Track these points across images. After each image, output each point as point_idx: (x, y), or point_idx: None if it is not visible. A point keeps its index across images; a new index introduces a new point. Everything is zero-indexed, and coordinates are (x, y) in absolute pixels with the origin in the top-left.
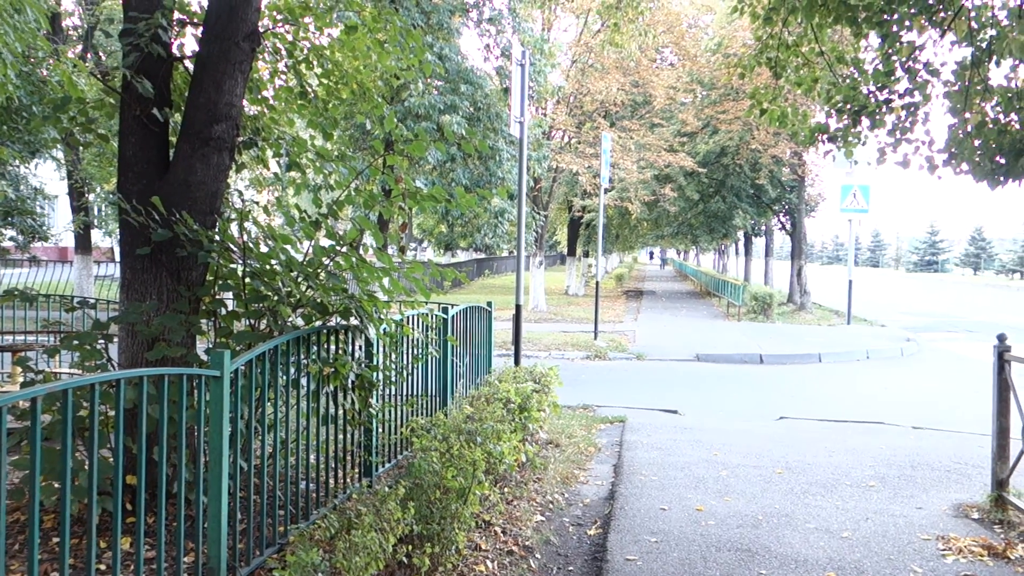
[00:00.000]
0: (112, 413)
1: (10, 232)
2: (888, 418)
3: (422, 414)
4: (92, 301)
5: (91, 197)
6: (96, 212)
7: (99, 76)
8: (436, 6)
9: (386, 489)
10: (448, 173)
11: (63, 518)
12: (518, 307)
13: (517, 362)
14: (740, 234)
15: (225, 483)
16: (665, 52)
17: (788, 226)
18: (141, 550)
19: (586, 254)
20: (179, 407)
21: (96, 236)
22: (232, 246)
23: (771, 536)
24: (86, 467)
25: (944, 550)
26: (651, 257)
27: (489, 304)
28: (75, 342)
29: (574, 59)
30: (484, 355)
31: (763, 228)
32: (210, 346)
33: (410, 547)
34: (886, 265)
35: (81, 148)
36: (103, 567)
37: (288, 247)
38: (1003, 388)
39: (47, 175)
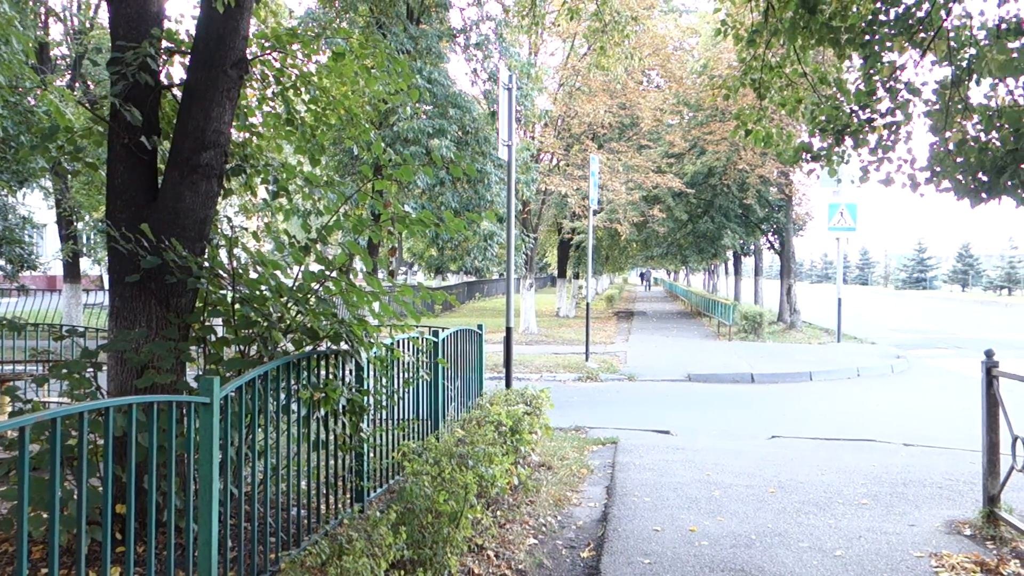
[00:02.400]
0: (101, 442)
1: None
2: (879, 435)
3: (413, 438)
4: (80, 329)
5: (79, 225)
6: (84, 240)
7: (87, 105)
8: (424, 31)
9: (378, 514)
10: (437, 197)
11: (51, 549)
12: (508, 329)
13: (508, 384)
14: (729, 254)
15: (215, 511)
16: (652, 74)
17: (777, 245)
18: None
19: (576, 276)
20: (169, 435)
21: (85, 264)
22: (221, 272)
23: (764, 556)
24: (75, 497)
25: (937, 567)
26: (642, 278)
27: (479, 327)
28: (64, 371)
29: (561, 82)
30: (475, 378)
31: (752, 248)
32: (200, 373)
33: (402, 572)
34: (875, 283)
35: (69, 177)
36: None
37: (278, 272)
38: (992, 404)
39: (36, 204)
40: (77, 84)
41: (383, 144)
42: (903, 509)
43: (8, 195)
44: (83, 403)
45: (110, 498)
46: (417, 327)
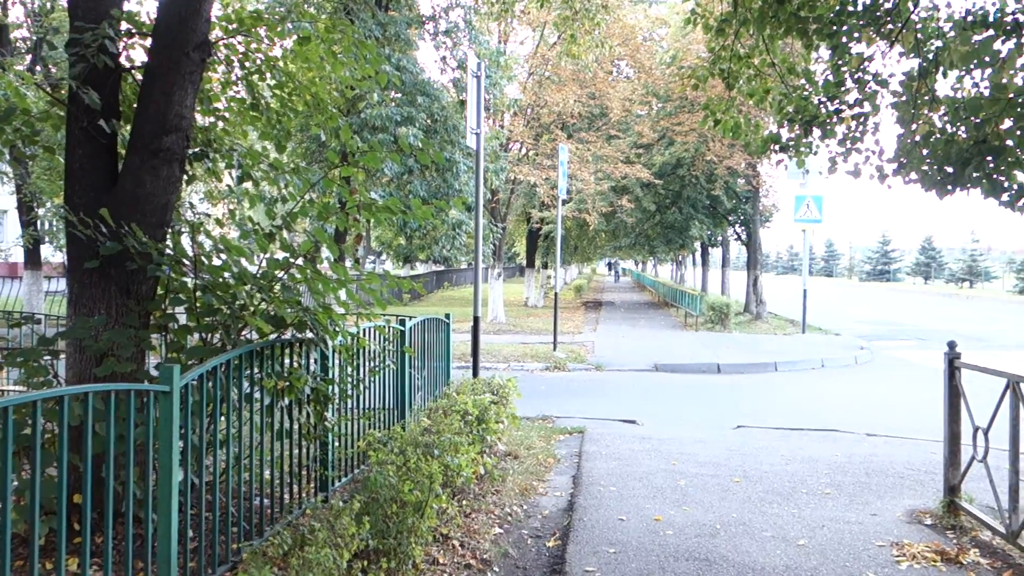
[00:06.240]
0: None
1: None
2: (843, 425)
3: (380, 427)
4: (38, 317)
5: (41, 212)
6: (46, 226)
7: (45, 88)
8: (392, 18)
9: (341, 504)
10: (405, 186)
11: (3, 539)
12: (476, 319)
13: (476, 374)
14: (697, 245)
15: (175, 501)
16: (621, 65)
17: (744, 237)
18: (87, 571)
19: (545, 265)
20: (127, 424)
21: (47, 251)
22: (184, 259)
23: (729, 545)
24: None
25: (898, 556)
26: (610, 269)
27: (447, 316)
28: (19, 358)
29: (531, 71)
30: (442, 367)
31: (719, 239)
32: (161, 361)
33: (366, 562)
34: (840, 275)
35: (30, 162)
36: None
37: (242, 259)
38: (954, 395)
39: None
40: (39, 67)
41: (351, 132)
42: (866, 499)
43: None
44: (37, 391)
45: (64, 488)
46: (384, 316)
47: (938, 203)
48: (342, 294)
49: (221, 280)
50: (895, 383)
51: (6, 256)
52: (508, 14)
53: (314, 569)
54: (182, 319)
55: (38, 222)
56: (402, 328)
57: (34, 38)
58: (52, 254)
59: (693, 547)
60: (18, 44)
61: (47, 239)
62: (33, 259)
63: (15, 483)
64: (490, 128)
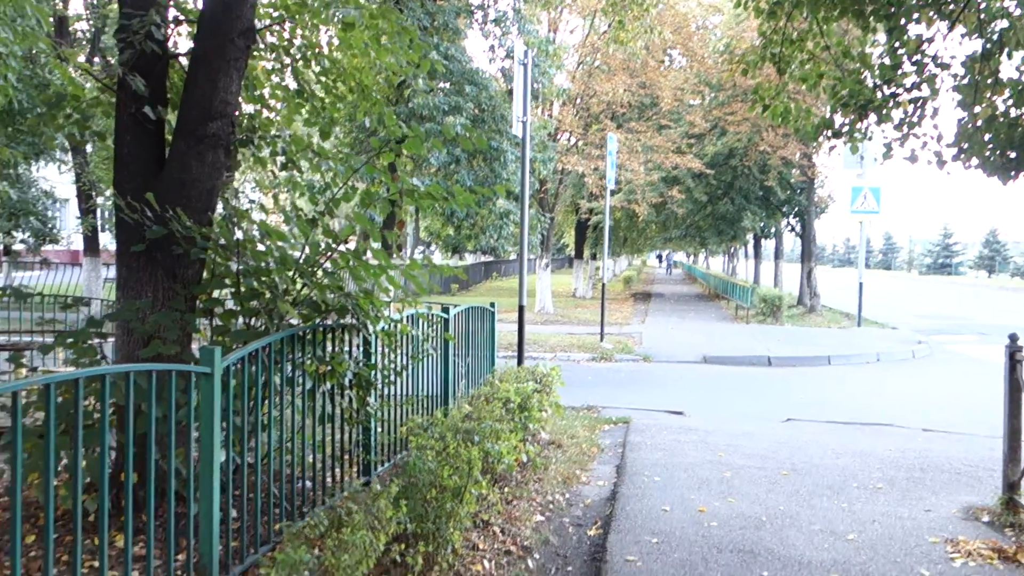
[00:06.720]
0: (111, 410)
1: (20, 235)
2: (897, 420)
3: (423, 413)
4: (88, 300)
5: (100, 200)
6: (104, 214)
7: (93, 74)
8: (441, 7)
9: (378, 487)
10: (452, 175)
11: (47, 515)
12: (521, 308)
13: (520, 363)
14: (749, 236)
15: (216, 481)
16: (673, 53)
17: (798, 228)
18: (129, 547)
19: (594, 256)
20: (169, 404)
21: (105, 238)
22: (227, 243)
23: (775, 538)
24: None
25: (953, 553)
26: (660, 260)
27: (492, 305)
28: (69, 340)
29: (580, 60)
30: (487, 355)
31: (772, 230)
32: (206, 344)
33: (404, 546)
34: (898, 268)
35: (89, 151)
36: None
37: (285, 245)
38: (1014, 389)
39: (59, 178)
40: (97, 58)
41: (399, 121)
42: (919, 494)
43: (27, 168)
44: (79, 370)
45: (106, 466)
46: (428, 303)
47: (1003, 194)
48: (383, 280)
49: (264, 265)
50: (953, 378)
51: (68, 243)
52: (557, 1)
53: (350, 550)
54: (230, 304)
55: (97, 210)
56: (445, 316)
57: (93, 29)
58: (110, 241)
59: (738, 539)
60: (78, 35)
61: (105, 227)
62: (92, 246)
63: (64, 460)
64: (538, 118)
